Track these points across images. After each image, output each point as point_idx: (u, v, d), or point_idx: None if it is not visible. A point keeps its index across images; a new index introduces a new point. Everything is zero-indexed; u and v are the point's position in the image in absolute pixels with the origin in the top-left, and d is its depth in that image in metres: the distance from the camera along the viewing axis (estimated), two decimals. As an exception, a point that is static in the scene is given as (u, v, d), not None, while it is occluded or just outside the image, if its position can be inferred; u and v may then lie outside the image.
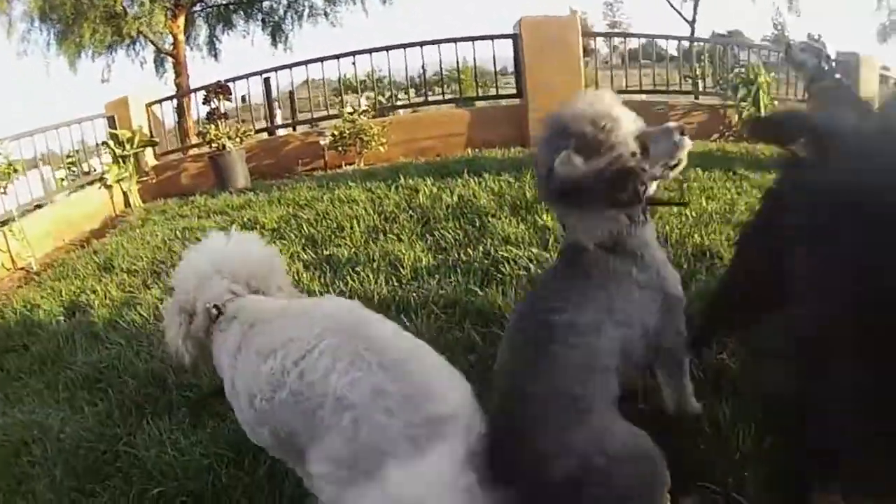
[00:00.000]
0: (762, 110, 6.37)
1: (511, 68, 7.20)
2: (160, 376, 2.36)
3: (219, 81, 6.73)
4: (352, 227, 3.80)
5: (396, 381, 1.07)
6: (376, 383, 1.07)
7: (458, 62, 7.50)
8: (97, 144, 6.89)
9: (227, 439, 1.82)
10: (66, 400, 2.30)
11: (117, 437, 2.00)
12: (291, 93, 8.71)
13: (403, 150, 6.72)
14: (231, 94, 6.86)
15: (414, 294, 2.74)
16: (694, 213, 3.32)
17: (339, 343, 1.15)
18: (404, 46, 7.12)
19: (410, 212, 3.97)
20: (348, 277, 3.03)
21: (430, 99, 7.65)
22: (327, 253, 3.44)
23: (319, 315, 1.27)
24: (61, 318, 3.21)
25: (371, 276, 3.01)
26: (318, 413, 1.13)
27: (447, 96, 7.79)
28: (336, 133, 6.62)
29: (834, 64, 4.98)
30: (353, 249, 3.47)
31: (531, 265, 2.77)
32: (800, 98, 6.27)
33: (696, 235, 2.99)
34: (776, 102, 6.64)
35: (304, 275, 3.13)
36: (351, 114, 6.66)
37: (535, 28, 6.64)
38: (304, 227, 3.98)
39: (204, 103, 6.66)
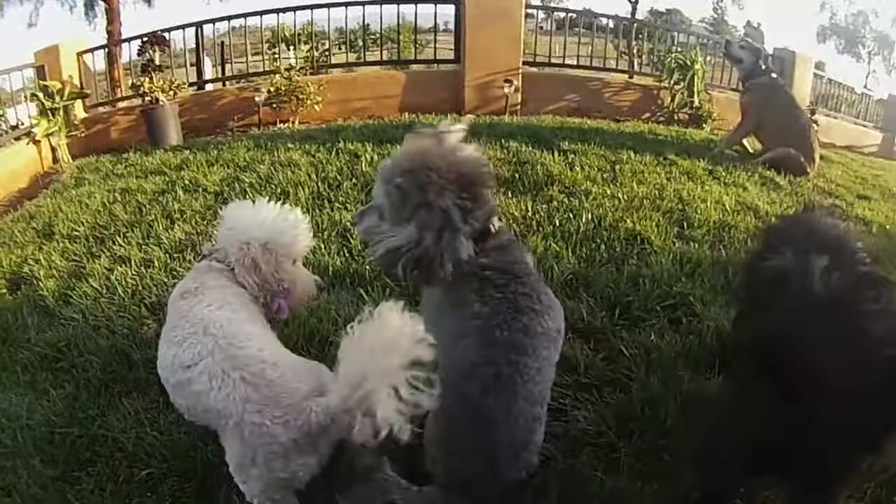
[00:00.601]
0: (695, 96, 6.42)
1: (450, 26, 6.88)
2: (124, 352, 2.22)
3: (155, 32, 6.07)
4: (296, 193, 3.68)
5: (257, 390, 1.30)
6: (242, 394, 1.30)
7: (398, 22, 7.16)
8: (25, 95, 6.06)
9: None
10: (27, 383, 2.12)
11: (90, 420, 1.89)
12: (223, 43, 8.01)
13: (338, 109, 6.43)
14: (168, 45, 6.26)
15: (367, 267, 2.72)
16: (626, 198, 3.42)
17: (212, 364, 1.36)
18: (346, 5, 6.74)
19: (353, 179, 3.88)
20: (301, 247, 2.95)
21: (367, 59, 7.29)
22: (275, 220, 3.31)
23: (203, 332, 1.43)
24: (4, 291, 2.91)
25: (322, 247, 2.95)
26: (205, 416, 1.40)
27: (384, 57, 7.41)
28: (272, 90, 6.20)
29: (770, 60, 5.13)
30: (300, 217, 3.36)
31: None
32: (734, 87, 6.37)
33: (627, 220, 3.08)
34: (709, 89, 6.68)
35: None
36: (288, 70, 6.28)
37: (478, -5, 6.34)
38: (248, 192, 3.78)
39: (139, 55, 6.02)
